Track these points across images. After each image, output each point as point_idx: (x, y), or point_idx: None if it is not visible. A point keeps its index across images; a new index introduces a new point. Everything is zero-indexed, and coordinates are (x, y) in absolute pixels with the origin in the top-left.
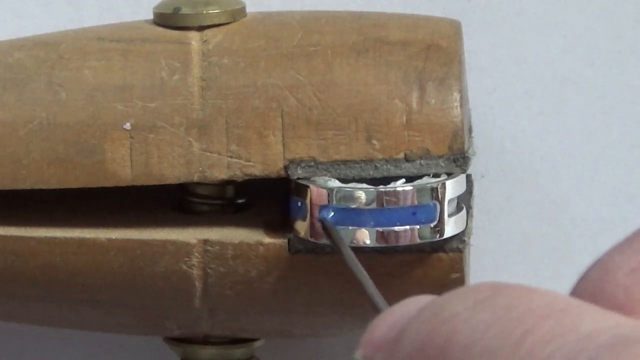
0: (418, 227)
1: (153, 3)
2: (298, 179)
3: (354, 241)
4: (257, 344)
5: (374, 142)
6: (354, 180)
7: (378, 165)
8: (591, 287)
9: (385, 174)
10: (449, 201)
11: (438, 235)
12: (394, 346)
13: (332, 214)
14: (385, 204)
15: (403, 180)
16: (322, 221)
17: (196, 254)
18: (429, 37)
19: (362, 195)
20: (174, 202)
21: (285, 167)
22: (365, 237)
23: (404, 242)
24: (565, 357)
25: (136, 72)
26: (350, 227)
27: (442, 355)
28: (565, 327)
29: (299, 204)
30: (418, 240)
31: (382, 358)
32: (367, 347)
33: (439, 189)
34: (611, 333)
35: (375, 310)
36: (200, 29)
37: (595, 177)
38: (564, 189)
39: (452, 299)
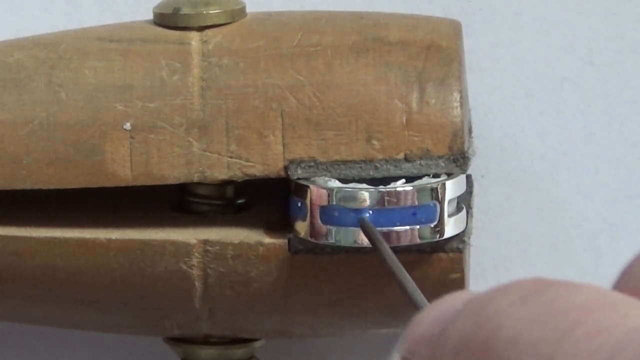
0: (418, 227)
1: (153, 3)
2: (298, 179)
3: (355, 241)
4: (257, 344)
5: (374, 142)
6: (354, 180)
7: (378, 165)
8: (634, 281)
9: (385, 174)
10: (449, 201)
11: (438, 236)
12: (438, 341)
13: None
14: (385, 204)
15: (403, 180)
16: (361, 220)
17: (196, 254)
18: (429, 37)
19: (362, 196)
20: (174, 202)
21: (285, 167)
22: (365, 237)
23: (404, 242)
24: (611, 351)
25: (136, 72)
26: (350, 228)
27: (486, 350)
28: (611, 321)
29: (299, 204)
30: (418, 241)
31: (426, 352)
32: (411, 342)
33: (439, 189)
34: None
35: (416, 309)
36: (200, 29)
37: (595, 177)
38: (564, 189)
39: (497, 295)
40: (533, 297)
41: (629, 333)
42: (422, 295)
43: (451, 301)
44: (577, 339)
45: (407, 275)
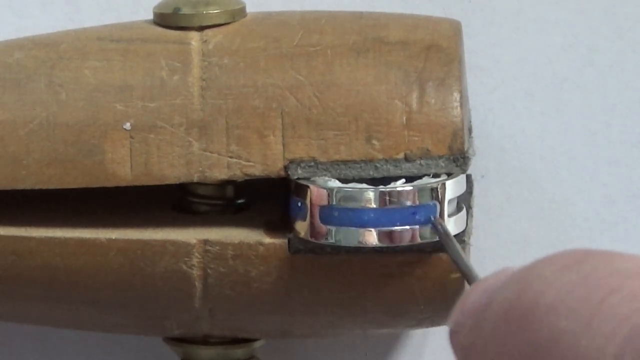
0: (418, 227)
1: (153, 3)
2: (298, 179)
3: (360, 241)
4: (257, 344)
5: (374, 142)
6: (354, 180)
7: (378, 165)
8: None
9: (385, 174)
10: (449, 201)
11: (438, 236)
12: (484, 310)
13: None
14: (385, 204)
15: (403, 180)
16: (433, 219)
17: (196, 254)
18: (429, 37)
19: (362, 196)
20: (174, 202)
21: (285, 167)
22: (365, 237)
23: (404, 242)
24: None
25: (136, 72)
26: (350, 227)
27: (528, 316)
28: None
29: (299, 204)
30: (418, 240)
31: (473, 323)
32: (459, 314)
33: (439, 189)
34: None
35: None
36: (200, 29)
37: (595, 177)
38: (564, 189)
39: (540, 265)
40: (575, 265)
41: None
42: None
43: (499, 274)
44: (615, 303)
45: (472, 268)
